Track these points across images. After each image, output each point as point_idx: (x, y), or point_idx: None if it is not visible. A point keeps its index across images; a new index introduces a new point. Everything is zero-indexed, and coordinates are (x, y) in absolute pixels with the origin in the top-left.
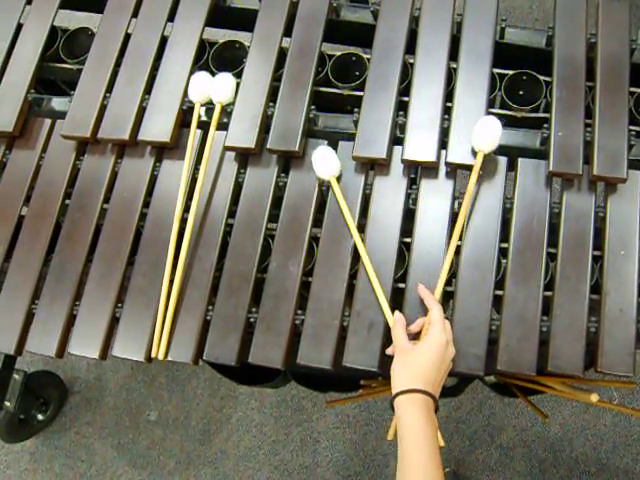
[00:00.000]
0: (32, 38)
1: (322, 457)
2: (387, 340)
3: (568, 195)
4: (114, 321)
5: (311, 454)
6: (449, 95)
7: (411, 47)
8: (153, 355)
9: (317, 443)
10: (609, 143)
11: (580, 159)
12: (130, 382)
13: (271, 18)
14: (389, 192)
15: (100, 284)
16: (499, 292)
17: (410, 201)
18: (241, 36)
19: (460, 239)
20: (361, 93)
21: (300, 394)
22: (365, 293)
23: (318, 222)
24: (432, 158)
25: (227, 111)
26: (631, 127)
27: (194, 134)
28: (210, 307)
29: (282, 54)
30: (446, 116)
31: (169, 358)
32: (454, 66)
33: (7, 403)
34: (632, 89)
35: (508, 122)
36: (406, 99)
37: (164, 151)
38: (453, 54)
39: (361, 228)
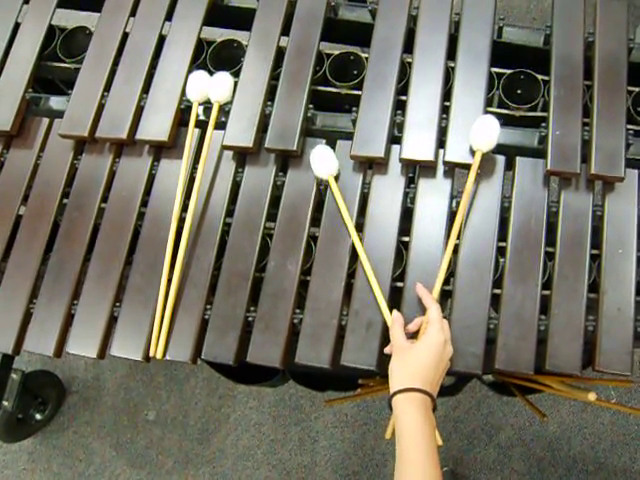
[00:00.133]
0: (30, 37)
1: (320, 456)
2: (385, 339)
3: (566, 194)
4: (112, 320)
5: (309, 453)
6: (447, 94)
7: (409, 46)
8: (151, 354)
9: (315, 442)
10: (607, 142)
11: (578, 158)
12: (128, 381)
13: (269, 17)
14: (387, 191)
15: (98, 283)
16: (497, 291)
17: (408, 200)
18: (239, 35)
19: (458, 238)
20: (359, 92)
21: (298, 393)
22: (363, 292)
23: (316, 221)
24: (430, 157)
25: (225, 110)
26: (629, 126)
27: (192, 133)
28: (208, 306)
29: (280, 53)
30: (444, 115)
31: (167, 357)
32: (452, 65)
33: (5, 403)
34: (630, 88)
35: (506, 121)
36: (404, 98)
37: (162, 150)
38: (451, 53)
39: (359, 227)
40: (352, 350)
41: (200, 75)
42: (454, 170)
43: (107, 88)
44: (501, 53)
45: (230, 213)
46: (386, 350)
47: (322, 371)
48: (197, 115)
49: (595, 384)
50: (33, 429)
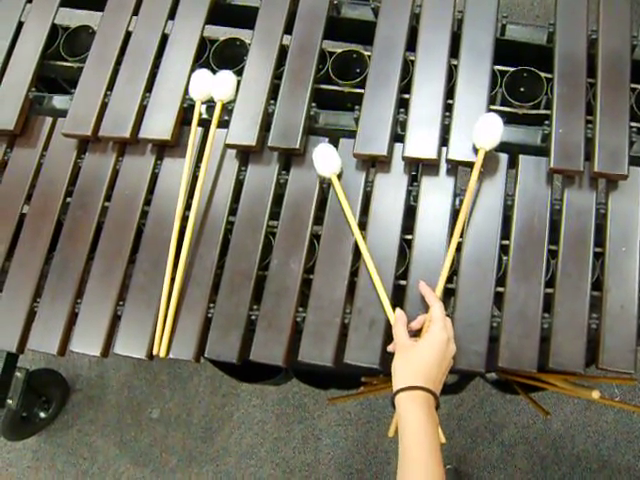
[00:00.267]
0: (33, 36)
1: (324, 454)
2: (388, 337)
3: (569, 192)
4: (116, 319)
5: (313, 451)
6: (450, 92)
7: (412, 44)
8: (155, 353)
9: (319, 440)
10: (610, 140)
11: (581, 156)
12: (132, 380)
13: (272, 15)
14: (390, 189)
15: (101, 282)
16: (500, 289)
17: (411, 198)
18: (242, 34)
19: (461, 236)
20: (362, 90)
21: (302, 391)
22: (366, 290)
23: (319, 220)
24: (433, 155)
25: (228, 109)
26: (632, 124)
27: (195, 132)
28: (211, 305)
29: (283, 51)
30: (447, 113)
31: (171, 356)
32: (455, 63)
33: (9, 401)
34: (633, 85)
35: (509, 119)
36: (407, 96)
37: (165, 149)
38: (454, 51)
39: (362, 225)
40: (355, 348)
41: (203, 74)
42: (457, 168)
43: (110, 87)
44: (504, 51)
45: (233, 212)
46: (389, 348)
47: (325, 369)
48: (200, 114)
49: (599, 382)
50: (37, 427)
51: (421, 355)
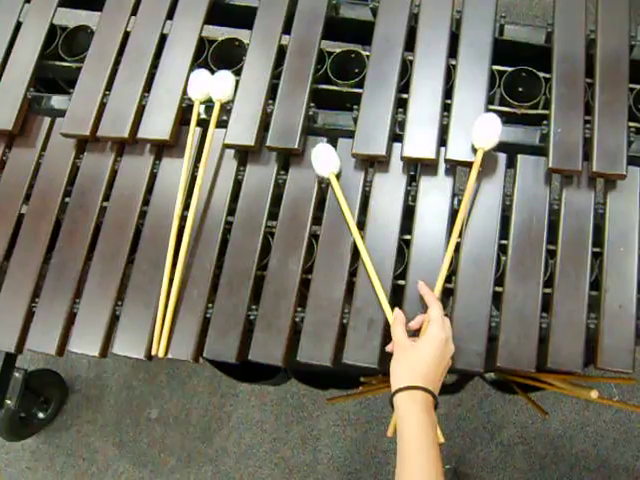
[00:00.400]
0: (31, 36)
1: (323, 454)
2: (387, 337)
3: (567, 192)
4: (114, 319)
5: (312, 451)
6: (448, 92)
7: (410, 44)
8: (153, 353)
9: (318, 440)
10: (608, 140)
11: (579, 156)
12: (131, 380)
13: (270, 15)
14: (389, 189)
15: (100, 282)
16: (499, 289)
17: (410, 198)
18: (240, 34)
19: (460, 236)
20: (360, 90)
21: (300, 392)
22: (365, 290)
23: (318, 219)
24: (432, 155)
25: (226, 109)
26: (630, 123)
27: (193, 132)
28: (210, 305)
29: (281, 52)
30: (445, 113)
31: (169, 356)
32: (453, 63)
33: (8, 401)
34: (631, 85)
35: (507, 119)
36: (405, 96)
37: (164, 149)
38: (452, 51)
39: (361, 225)
40: (354, 348)
41: (201, 74)
42: (456, 168)
43: (109, 87)
44: (502, 51)
45: (232, 212)
46: (388, 348)
47: (324, 369)
48: (199, 114)
49: (597, 382)
50: (36, 428)
51: (420, 355)
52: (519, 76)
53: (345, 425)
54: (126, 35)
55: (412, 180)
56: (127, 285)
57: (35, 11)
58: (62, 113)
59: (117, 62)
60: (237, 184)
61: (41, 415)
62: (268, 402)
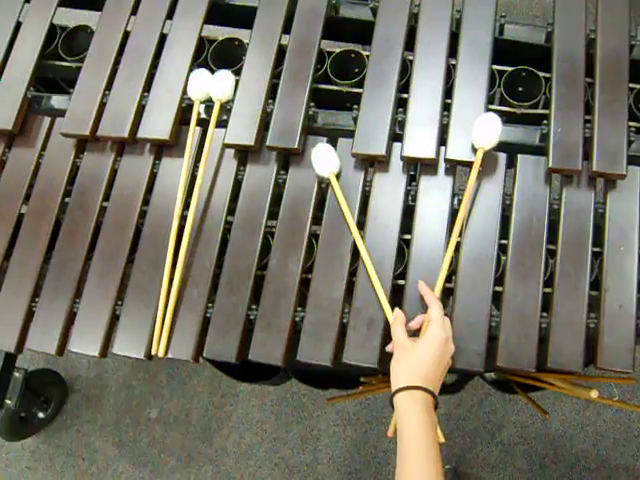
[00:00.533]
0: (31, 36)
1: (323, 454)
2: (387, 337)
3: (567, 191)
4: (114, 319)
5: (312, 451)
6: (448, 92)
7: (410, 44)
8: (153, 353)
9: (318, 440)
10: (608, 139)
11: (579, 155)
12: (130, 380)
13: (270, 15)
14: (389, 189)
15: (100, 282)
16: (499, 289)
17: (410, 198)
18: (240, 33)
19: (460, 236)
20: (360, 90)
21: (300, 391)
22: (365, 290)
23: (318, 219)
24: (431, 155)
25: (226, 108)
26: (630, 123)
27: (193, 132)
28: (210, 304)
29: (281, 51)
30: (445, 113)
31: (169, 355)
32: (453, 63)
33: (8, 401)
34: (631, 85)
35: (507, 119)
36: (405, 96)
37: (163, 149)
38: (452, 51)
39: (360, 225)
40: (354, 348)
41: (201, 73)
42: (455, 168)
43: (108, 87)
44: (502, 50)
45: (232, 211)
46: (388, 348)
47: (324, 369)
48: (198, 113)
49: (597, 382)
50: (36, 427)
51: (420, 355)
52: (519, 76)
53: (345, 425)
54: (126, 35)
55: (412, 180)
56: (127, 285)
57: (35, 11)
58: (62, 113)
59: (117, 62)
60: (237, 184)
61: (41, 415)
62: (268, 402)
